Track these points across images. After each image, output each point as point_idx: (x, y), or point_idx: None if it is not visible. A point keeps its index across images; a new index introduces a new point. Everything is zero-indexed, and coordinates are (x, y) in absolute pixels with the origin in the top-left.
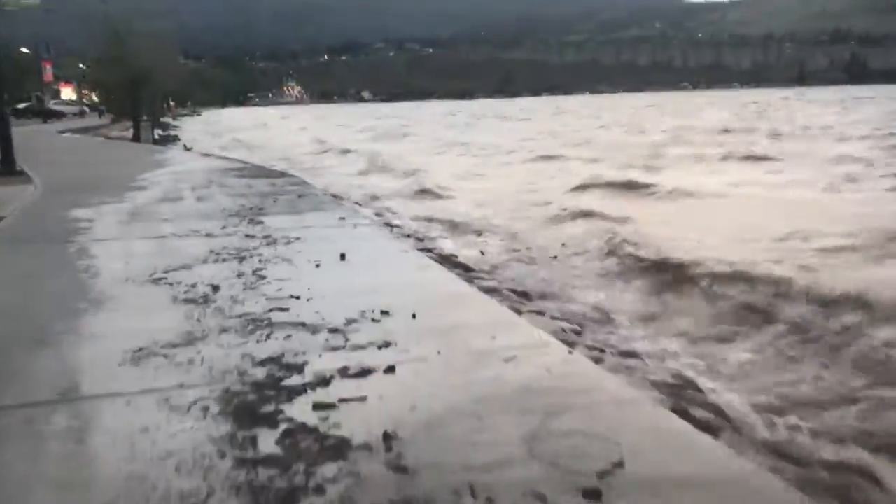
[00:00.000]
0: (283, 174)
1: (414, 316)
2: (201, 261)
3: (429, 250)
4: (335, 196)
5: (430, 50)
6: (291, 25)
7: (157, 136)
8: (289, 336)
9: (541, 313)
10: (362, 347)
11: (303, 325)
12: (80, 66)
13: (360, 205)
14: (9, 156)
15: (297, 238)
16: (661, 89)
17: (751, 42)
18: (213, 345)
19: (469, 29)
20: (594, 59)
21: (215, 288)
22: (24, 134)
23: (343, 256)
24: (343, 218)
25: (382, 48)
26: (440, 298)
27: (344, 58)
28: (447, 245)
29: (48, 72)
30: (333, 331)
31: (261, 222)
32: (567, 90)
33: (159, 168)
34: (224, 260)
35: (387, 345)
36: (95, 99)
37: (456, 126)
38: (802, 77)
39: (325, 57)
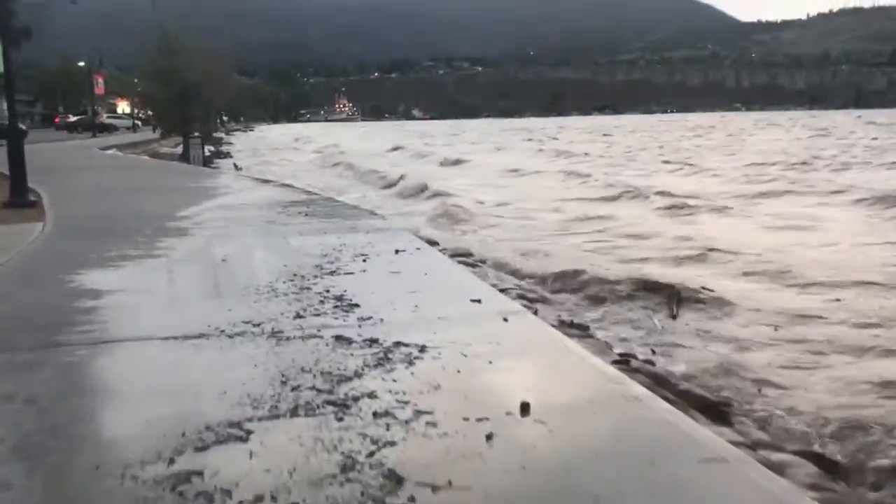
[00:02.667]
0: (364, 212)
1: None
2: (263, 410)
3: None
4: (464, 258)
5: (479, 68)
6: (343, 43)
7: (207, 153)
8: None
9: None
10: None
11: None
12: (136, 80)
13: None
14: (20, 185)
15: (428, 350)
16: (713, 109)
17: (805, 63)
18: None
19: (517, 48)
20: (645, 78)
21: None
22: (63, 150)
23: (526, 408)
24: (507, 319)
25: (432, 66)
26: None
27: (394, 75)
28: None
29: (100, 85)
30: None
31: (352, 303)
32: (617, 109)
33: (206, 200)
34: (310, 410)
35: None
36: (150, 113)
37: (610, 156)
38: (860, 99)
39: (376, 74)
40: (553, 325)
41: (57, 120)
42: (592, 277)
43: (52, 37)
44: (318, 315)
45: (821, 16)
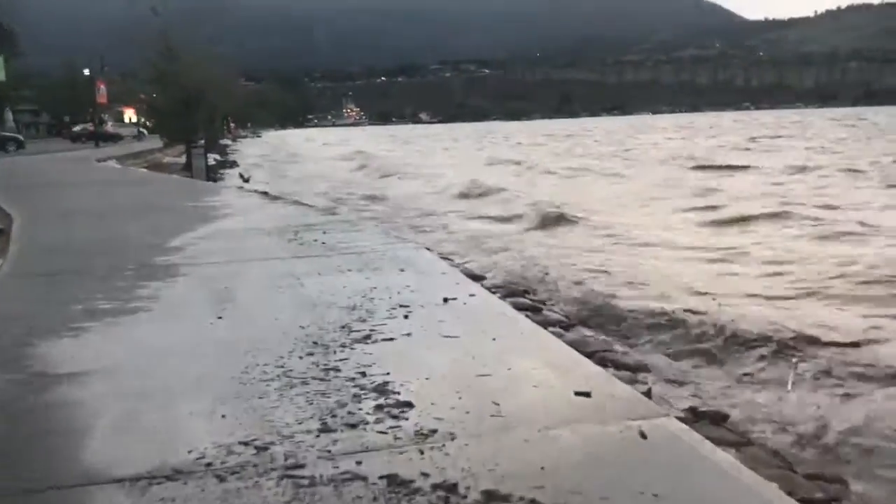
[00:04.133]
0: (393, 237)
1: None
2: None
3: None
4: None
5: (486, 71)
6: (349, 47)
7: (213, 162)
8: None
9: None
10: None
11: None
12: (136, 87)
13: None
14: None
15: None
16: (722, 109)
17: (814, 61)
18: None
19: (524, 50)
20: (653, 78)
21: None
22: (56, 162)
23: None
24: (645, 435)
25: (438, 69)
26: None
27: (401, 79)
28: None
29: (102, 93)
30: None
31: (401, 400)
32: (626, 110)
33: (204, 223)
34: None
35: None
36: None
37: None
38: (870, 96)
39: (383, 78)
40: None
41: (64, 129)
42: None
43: (60, 46)
44: (353, 426)
45: (829, 13)
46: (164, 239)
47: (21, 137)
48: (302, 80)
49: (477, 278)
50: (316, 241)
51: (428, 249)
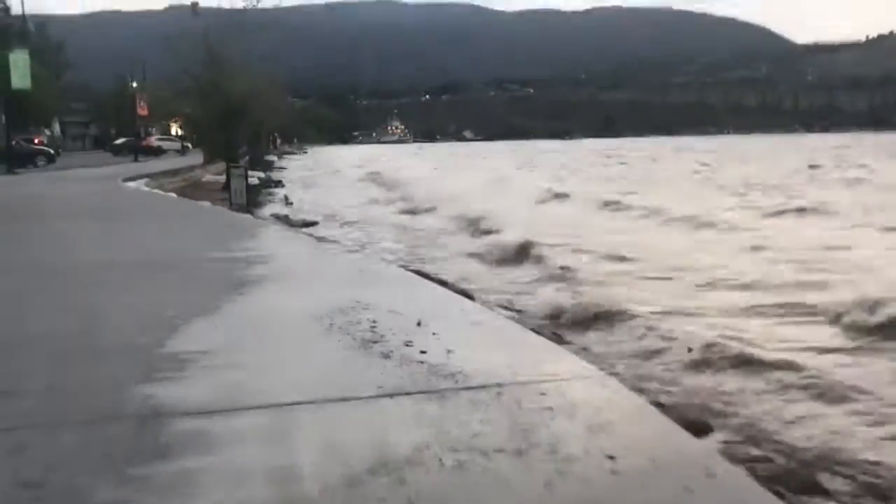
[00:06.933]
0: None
1: None
2: None
3: None
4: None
5: (530, 90)
6: (395, 65)
7: (256, 181)
8: None
9: None
10: None
11: None
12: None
13: None
14: None
15: None
16: (771, 132)
17: (866, 84)
18: None
19: (568, 70)
20: (699, 100)
21: None
22: (78, 180)
23: None
24: None
25: (482, 88)
26: None
27: (445, 97)
28: None
29: (143, 105)
30: None
31: None
32: (671, 131)
33: (227, 299)
34: None
35: None
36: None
37: None
38: None
39: (427, 96)
40: None
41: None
42: None
43: (109, 60)
44: None
45: (881, 37)
46: (165, 332)
47: (52, 151)
48: (348, 97)
49: None
50: (408, 345)
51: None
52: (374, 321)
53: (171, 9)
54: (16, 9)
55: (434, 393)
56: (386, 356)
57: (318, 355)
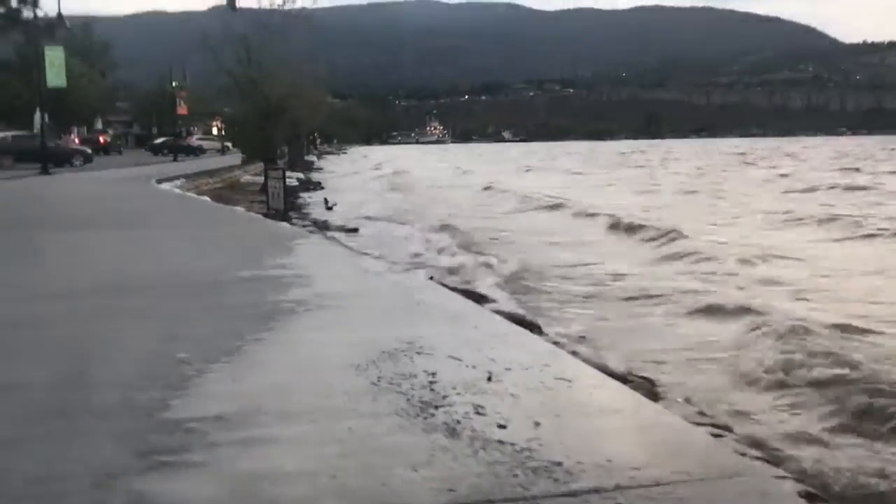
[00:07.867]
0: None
1: None
2: None
3: None
4: None
5: (571, 90)
6: (434, 66)
7: (295, 182)
8: None
9: None
10: None
11: None
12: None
13: None
14: None
15: None
16: (816, 134)
17: None
18: None
19: (609, 70)
20: (743, 100)
21: None
22: (109, 182)
23: None
24: None
25: (522, 88)
26: None
27: (484, 97)
28: None
29: (182, 104)
30: None
31: None
32: (714, 132)
33: (255, 338)
34: None
35: None
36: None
37: None
38: None
39: (466, 97)
40: None
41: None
42: None
43: (153, 60)
44: None
45: None
46: (155, 394)
47: (88, 150)
48: (387, 97)
49: None
50: (480, 412)
51: None
52: (433, 374)
53: (213, 9)
54: (51, 9)
55: (526, 503)
56: (452, 432)
57: (360, 429)
